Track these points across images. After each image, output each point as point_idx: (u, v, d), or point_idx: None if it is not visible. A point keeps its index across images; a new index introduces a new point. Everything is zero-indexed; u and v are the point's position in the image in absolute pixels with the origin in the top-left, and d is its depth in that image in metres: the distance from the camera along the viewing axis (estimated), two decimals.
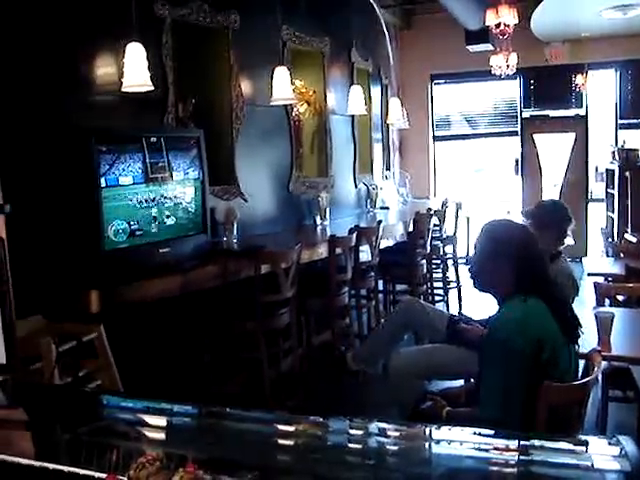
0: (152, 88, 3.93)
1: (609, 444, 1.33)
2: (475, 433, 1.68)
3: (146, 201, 3.71)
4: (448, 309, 6.69)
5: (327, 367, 5.06)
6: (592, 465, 1.34)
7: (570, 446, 1.48)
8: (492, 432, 1.66)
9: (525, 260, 2.61)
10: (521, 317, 2.51)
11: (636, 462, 1.17)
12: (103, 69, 4.04)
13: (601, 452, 1.36)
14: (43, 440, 1.89)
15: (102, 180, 3.43)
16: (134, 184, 3.63)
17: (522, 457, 1.53)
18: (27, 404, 2.02)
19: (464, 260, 9.27)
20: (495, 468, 1.57)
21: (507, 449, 1.58)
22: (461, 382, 3.51)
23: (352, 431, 1.89)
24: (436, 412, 2.70)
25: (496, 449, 1.60)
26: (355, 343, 5.11)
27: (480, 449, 1.63)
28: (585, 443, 1.46)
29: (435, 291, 7.01)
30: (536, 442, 1.49)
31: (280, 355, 4.54)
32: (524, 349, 2.44)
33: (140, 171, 3.67)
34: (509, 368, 2.45)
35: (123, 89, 3.88)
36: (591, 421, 3.62)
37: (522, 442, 1.56)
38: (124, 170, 3.57)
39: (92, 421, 1.99)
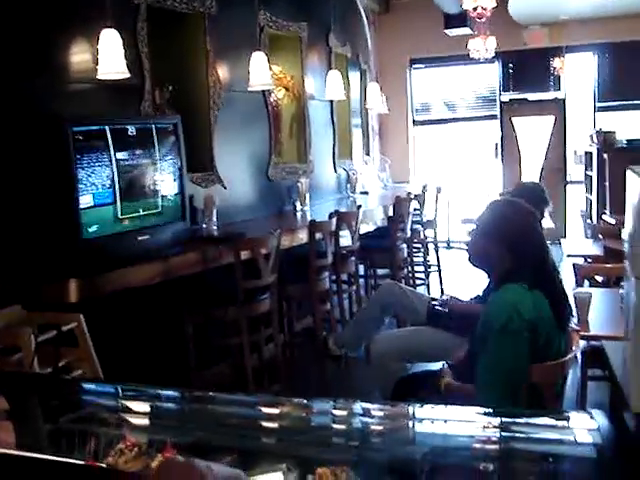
0: (128, 75, 3.90)
1: (582, 419, 1.35)
2: (457, 410, 1.70)
3: (124, 189, 3.68)
4: (429, 293, 6.72)
5: (309, 352, 5.08)
6: (565, 438, 1.36)
7: (544, 420, 1.50)
8: (474, 409, 1.68)
9: (522, 245, 2.56)
10: (519, 300, 2.49)
11: (607, 435, 1.19)
12: (78, 56, 3.99)
13: (574, 426, 1.38)
14: (24, 429, 1.88)
15: (79, 168, 3.40)
16: (111, 171, 3.60)
17: (503, 433, 1.56)
18: (7, 393, 2.01)
19: (445, 244, 9.30)
20: (478, 445, 1.59)
21: (489, 426, 1.61)
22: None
23: (335, 412, 1.91)
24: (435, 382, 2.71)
25: (478, 426, 1.62)
26: (337, 328, 5.13)
27: (463, 426, 1.65)
28: (559, 417, 1.49)
29: (416, 275, 7.05)
30: (515, 418, 1.51)
31: (262, 341, 4.55)
32: (522, 331, 2.43)
33: (117, 158, 3.64)
34: (511, 350, 2.45)
35: (99, 76, 3.84)
36: (571, 400, 3.66)
37: (502, 418, 1.58)
38: (100, 157, 3.54)
39: (72, 409, 1.99)
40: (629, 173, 1.38)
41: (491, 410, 1.60)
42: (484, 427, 1.62)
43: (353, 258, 5.43)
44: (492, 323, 2.49)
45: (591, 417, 1.29)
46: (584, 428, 1.31)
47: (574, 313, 3.43)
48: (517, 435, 1.51)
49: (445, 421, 1.72)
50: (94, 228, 3.49)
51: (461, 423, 1.67)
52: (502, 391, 2.44)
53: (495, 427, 1.56)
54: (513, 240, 2.56)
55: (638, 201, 1.35)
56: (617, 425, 1.26)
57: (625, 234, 1.70)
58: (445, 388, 2.67)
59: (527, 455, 1.42)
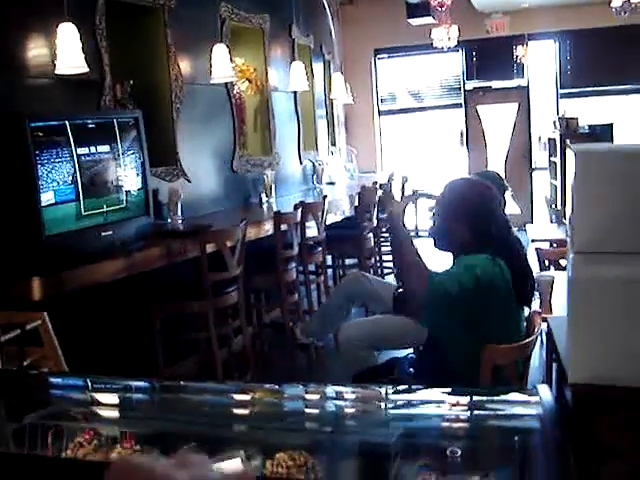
0: (87, 70, 3.87)
1: (528, 394, 1.40)
2: (425, 391, 1.73)
3: (86, 184, 3.65)
4: (397, 282, 6.76)
5: (279, 344, 5.09)
6: (513, 413, 1.41)
7: (496, 397, 1.55)
8: (444, 390, 1.72)
9: (483, 219, 2.61)
10: (478, 260, 2.53)
11: (548, 407, 1.24)
12: (36, 51, 3.94)
13: (521, 400, 1.43)
14: None
15: (39, 165, 3.36)
16: (72, 167, 3.56)
17: (463, 411, 1.59)
18: None
19: (413, 233, 9.35)
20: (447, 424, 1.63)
21: (458, 404, 1.65)
22: (409, 351, 3.57)
23: (307, 396, 1.92)
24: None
25: (448, 405, 1.66)
26: (305, 318, 5.14)
27: (433, 407, 1.68)
28: (506, 393, 1.54)
29: (384, 264, 7.08)
30: (471, 396, 1.56)
31: (230, 334, 4.55)
32: (478, 278, 2.47)
33: (78, 154, 3.60)
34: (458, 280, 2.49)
35: (57, 71, 3.81)
36: (538, 381, 3.71)
37: (461, 397, 1.62)
38: (61, 153, 3.51)
39: (36, 403, 1.98)
40: (568, 152, 1.42)
41: (450, 390, 1.63)
42: (453, 405, 1.66)
43: (320, 248, 5.45)
44: (436, 286, 2.53)
45: (535, 392, 1.34)
46: (529, 402, 1.36)
47: (537, 295, 3.51)
48: (474, 412, 1.56)
49: (417, 402, 1.75)
50: (56, 225, 3.45)
51: (431, 403, 1.70)
52: (469, 349, 2.48)
53: (455, 405, 1.60)
54: (474, 216, 2.61)
55: (574, 177, 1.39)
56: (559, 398, 1.31)
57: (568, 213, 1.75)
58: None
59: (481, 431, 1.47)
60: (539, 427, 1.25)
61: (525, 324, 2.72)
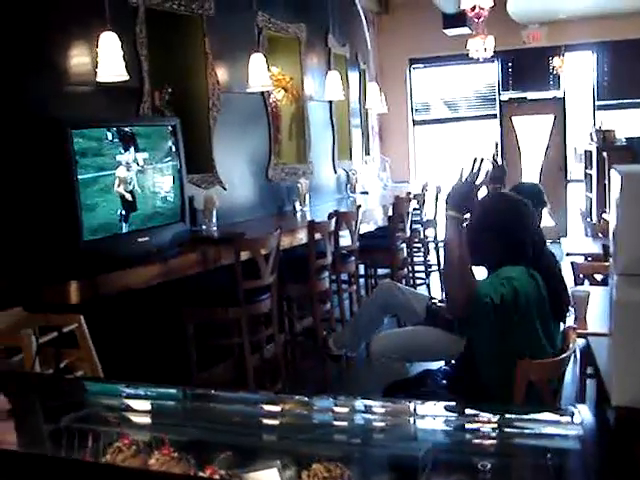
0: (127, 78, 3.93)
1: (565, 414, 1.39)
2: (454, 408, 1.73)
3: (123, 191, 3.70)
4: (430, 292, 6.74)
5: (310, 352, 5.10)
6: (552, 432, 1.40)
7: (534, 416, 1.54)
8: (472, 406, 1.71)
9: (515, 234, 2.60)
10: (517, 274, 2.51)
11: (589, 428, 1.23)
12: (78, 59, 4.01)
13: (561, 420, 1.42)
14: (25, 428, 1.90)
15: (78, 170, 3.42)
16: (110, 174, 3.62)
17: (496, 428, 1.59)
18: (8, 392, 2.03)
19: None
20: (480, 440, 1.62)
21: (491, 422, 1.64)
22: (441, 363, 3.55)
23: (335, 409, 1.93)
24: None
25: (477, 421, 1.65)
26: (337, 328, 5.14)
27: (461, 422, 1.68)
28: (547, 413, 1.52)
29: (416, 275, 7.06)
30: (505, 414, 1.55)
31: (263, 341, 4.57)
32: (513, 300, 2.43)
33: (116, 161, 3.66)
34: (506, 322, 2.46)
35: (98, 79, 3.87)
36: (571, 397, 3.67)
37: (494, 415, 1.61)
38: (100, 160, 3.56)
39: (73, 408, 2.01)
40: (613, 172, 1.41)
41: (484, 406, 1.63)
42: (479, 422, 1.65)
43: (353, 258, 5.45)
44: (481, 296, 2.42)
45: (576, 412, 1.33)
46: (569, 422, 1.35)
47: (572, 310, 3.47)
48: (508, 430, 1.55)
49: (444, 418, 1.75)
50: (94, 230, 3.50)
51: (459, 419, 1.69)
52: (503, 363, 2.46)
53: (488, 422, 1.59)
54: (506, 230, 2.60)
55: (619, 198, 1.37)
56: (600, 419, 1.30)
57: (610, 232, 1.73)
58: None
59: (517, 449, 1.45)
60: (579, 448, 1.23)
61: (560, 340, 2.70)
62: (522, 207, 2.68)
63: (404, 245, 6.39)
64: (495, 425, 1.62)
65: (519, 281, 2.49)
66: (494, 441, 1.59)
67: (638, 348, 1.46)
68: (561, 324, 2.77)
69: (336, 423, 1.90)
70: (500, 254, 2.62)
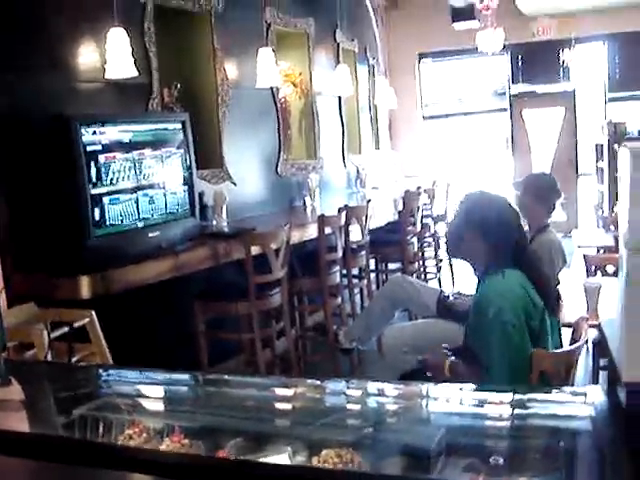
0: (136, 74, 3.93)
1: (579, 394, 1.39)
2: (469, 389, 1.73)
3: (133, 186, 3.71)
4: (441, 286, 6.72)
5: (321, 347, 5.10)
6: (564, 413, 1.39)
7: (545, 396, 1.54)
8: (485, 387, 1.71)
9: (498, 231, 2.63)
10: (504, 291, 2.55)
11: (600, 408, 1.22)
12: (86, 55, 4.02)
13: (572, 401, 1.42)
14: (38, 415, 1.90)
15: (89, 166, 3.43)
16: (120, 169, 3.63)
17: (510, 410, 1.59)
18: (21, 381, 2.03)
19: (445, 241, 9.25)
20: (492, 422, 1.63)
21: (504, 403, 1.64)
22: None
23: (347, 392, 1.93)
24: (438, 363, 2.73)
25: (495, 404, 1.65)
26: (348, 322, 5.14)
27: (475, 405, 1.68)
28: (558, 395, 1.52)
29: (427, 269, 7.05)
30: (518, 395, 1.55)
31: (274, 336, 4.57)
32: (514, 321, 2.48)
33: (126, 157, 3.67)
34: (508, 344, 2.48)
35: (107, 75, 3.88)
36: None
37: (508, 395, 1.61)
38: (110, 156, 3.57)
39: (85, 396, 2.01)
40: (621, 149, 1.40)
41: (497, 389, 1.63)
42: (490, 404, 1.65)
43: (363, 252, 5.44)
44: (482, 320, 2.55)
45: (588, 393, 1.33)
46: (581, 403, 1.35)
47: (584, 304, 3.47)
48: (520, 412, 1.55)
49: (458, 399, 1.75)
50: (105, 225, 3.52)
51: (474, 401, 1.70)
52: (514, 379, 2.47)
53: (500, 404, 1.60)
54: (487, 226, 2.63)
55: (629, 176, 1.37)
56: (612, 399, 1.30)
57: (619, 210, 1.72)
58: (450, 369, 2.70)
59: (528, 430, 1.46)
60: (590, 428, 1.23)
61: (559, 333, 2.72)
62: (505, 206, 2.70)
63: (415, 239, 6.38)
64: (509, 407, 1.63)
65: (514, 299, 2.52)
66: (507, 423, 1.59)
67: None
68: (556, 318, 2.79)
69: (348, 407, 1.90)
70: (484, 253, 2.64)
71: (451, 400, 1.73)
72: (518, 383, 2.44)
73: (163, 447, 1.40)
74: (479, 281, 2.71)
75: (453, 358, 2.73)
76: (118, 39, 3.83)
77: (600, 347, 3.79)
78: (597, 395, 1.29)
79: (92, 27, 4.01)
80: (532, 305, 2.55)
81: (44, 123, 3.53)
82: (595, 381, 3.85)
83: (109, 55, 3.83)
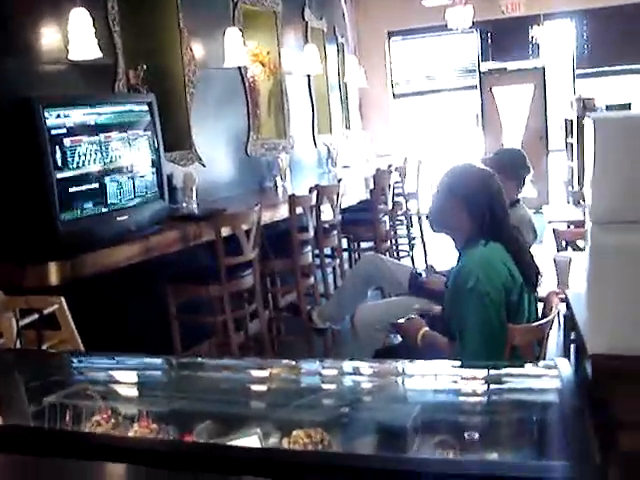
0: (100, 55, 3.87)
1: (546, 367, 1.40)
2: (444, 365, 1.74)
3: (100, 170, 3.66)
4: (414, 264, 6.74)
5: (295, 327, 5.09)
6: (532, 387, 1.40)
7: (513, 370, 1.55)
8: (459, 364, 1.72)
9: (482, 203, 2.63)
10: (484, 263, 2.56)
11: (567, 380, 1.23)
12: (48, 37, 3.94)
13: (540, 374, 1.43)
14: (7, 403, 1.88)
15: (54, 150, 3.37)
16: (86, 153, 3.57)
17: (482, 386, 1.59)
18: None
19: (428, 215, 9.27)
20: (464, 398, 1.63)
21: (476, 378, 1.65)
22: None
23: (323, 371, 1.92)
24: (412, 328, 2.75)
25: (467, 380, 1.66)
26: (321, 302, 5.14)
27: (450, 381, 1.68)
28: (525, 368, 1.53)
29: (400, 247, 7.06)
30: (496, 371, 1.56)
31: (247, 318, 4.55)
32: (491, 294, 2.49)
33: (92, 140, 3.61)
34: (483, 315, 2.50)
35: (70, 57, 3.81)
36: None
37: (479, 371, 1.61)
38: (76, 139, 3.51)
39: (57, 383, 1.99)
40: (586, 120, 1.40)
41: (468, 365, 1.63)
42: (464, 379, 1.66)
43: (335, 232, 5.43)
44: (460, 291, 2.56)
45: (554, 366, 1.33)
46: (547, 375, 1.36)
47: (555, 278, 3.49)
48: (493, 387, 1.56)
49: (433, 376, 1.75)
50: (72, 210, 3.46)
51: (449, 377, 1.70)
52: (486, 352, 2.48)
53: (474, 380, 1.60)
54: (469, 197, 2.63)
55: (592, 146, 1.37)
56: (579, 371, 1.31)
57: (586, 182, 1.73)
58: (422, 339, 2.71)
59: (498, 405, 1.47)
60: (558, 400, 1.24)
61: (536, 308, 2.73)
62: (489, 178, 2.70)
63: (387, 218, 6.38)
64: (480, 382, 1.64)
65: (495, 270, 2.54)
66: (479, 399, 1.60)
67: (612, 294, 1.46)
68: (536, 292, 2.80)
69: (323, 386, 1.90)
70: (467, 225, 2.64)
71: (425, 377, 1.74)
72: (491, 357, 2.46)
73: (131, 433, 1.39)
74: (460, 254, 2.71)
75: (427, 329, 2.74)
76: (81, 19, 3.76)
77: (569, 320, 3.84)
78: (565, 368, 1.30)
79: (54, 7, 3.92)
80: (511, 279, 2.56)
81: (6, 107, 3.45)
82: (567, 354, 3.89)
83: (71, 36, 3.77)
